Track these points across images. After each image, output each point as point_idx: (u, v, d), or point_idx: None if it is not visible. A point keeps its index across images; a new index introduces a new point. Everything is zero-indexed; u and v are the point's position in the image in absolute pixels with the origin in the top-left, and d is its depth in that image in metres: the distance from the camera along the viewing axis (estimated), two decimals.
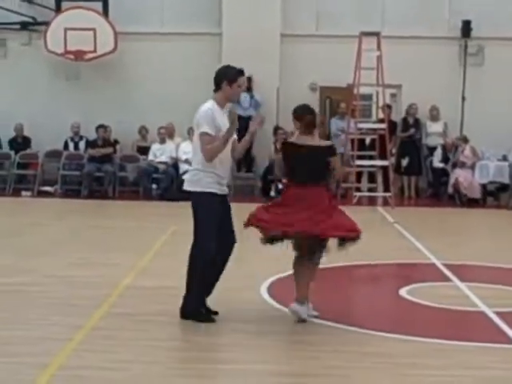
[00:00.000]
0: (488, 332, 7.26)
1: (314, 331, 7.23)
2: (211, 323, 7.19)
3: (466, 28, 17.97)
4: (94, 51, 17.91)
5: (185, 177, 7.64)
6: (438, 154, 17.53)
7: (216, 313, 7.37)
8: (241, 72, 7.31)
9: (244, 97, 17.43)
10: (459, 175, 16.87)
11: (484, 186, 17.18)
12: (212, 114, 7.14)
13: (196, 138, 7.26)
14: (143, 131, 18.22)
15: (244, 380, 5.87)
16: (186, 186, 7.31)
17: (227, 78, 7.20)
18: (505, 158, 17.17)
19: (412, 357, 6.46)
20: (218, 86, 7.26)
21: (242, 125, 18.71)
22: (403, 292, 8.62)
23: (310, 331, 7.21)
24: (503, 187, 17.25)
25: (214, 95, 7.31)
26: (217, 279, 7.41)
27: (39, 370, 5.82)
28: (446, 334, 7.14)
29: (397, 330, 7.32)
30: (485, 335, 7.15)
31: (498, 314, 7.71)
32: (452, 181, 16.97)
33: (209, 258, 7.18)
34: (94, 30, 17.78)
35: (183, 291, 8.06)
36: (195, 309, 7.27)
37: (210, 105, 7.21)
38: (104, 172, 17.55)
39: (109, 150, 17.73)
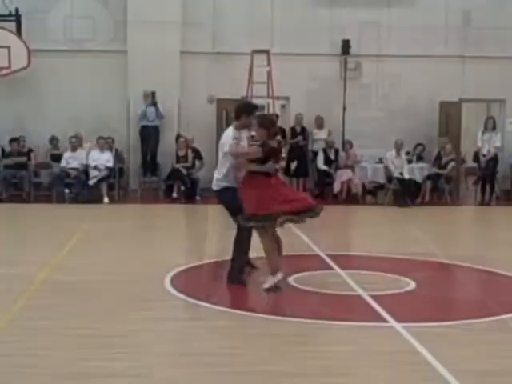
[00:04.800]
0: (364, 313, 7.51)
1: (216, 317, 7.38)
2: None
3: (346, 46, 18.36)
4: (9, 67, 17.66)
5: None
6: (321, 157, 17.87)
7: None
8: (256, 106, 9.03)
9: (150, 111, 17.54)
10: (349, 174, 17.17)
11: (363, 185, 17.61)
12: (231, 136, 8.51)
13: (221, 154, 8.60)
14: (54, 141, 18.00)
15: (147, 361, 5.97)
16: None
17: (246, 111, 8.57)
18: (380, 161, 17.63)
19: (298, 336, 6.69)
20: (238, 116, 8.58)
21: (151, 132, 18.62)
22: (291, 280, 8.82)
23: (212, 317, 7.35)
24: (380, 186, 17.71)
25: (234, 122, 8.64)
26: None
27: None
28: (328, 315, 7.35)
29: (286, 313, 7.55)
30: (361, 315, 7.39)
31: (373, 296, 8.00)
32: (344, 178, 17.17)
33: None
34: (8, 47, 17.53)
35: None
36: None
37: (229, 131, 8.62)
38: (19, 178, 17.33)
39: (21, 159, 17.47)
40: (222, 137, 8.73)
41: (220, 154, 8.68)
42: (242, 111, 8.60)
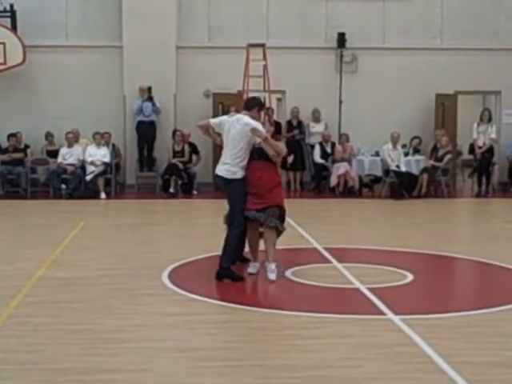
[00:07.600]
0: (361, 305, 7.52)
1: (209, 311, 7.41)
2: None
3: (341, 39, 18.35)
4: (4, 63, 17.63)
5: None
6: (317, 150, 17.86)
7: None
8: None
9: (146, 106, 17.50)
10: (346, 168, 17.18)
11: (360, 178, 17.61)
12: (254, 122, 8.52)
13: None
14: (49, 137, 17.97)
15: (146, 356, 5.97)
16: None
17: (260, 106, 8.73)
18: (377, 154, 17.60)
19: (296, 329, 6.70)
20: (250, 108, 8.63)
21: (147, 127, 18.62)
22: (288, 273, 8.82)
23: (205, 311, 7.38)
24: (376, 179, 17.71)
25: (245, 112, 8.68)
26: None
27: None
28: (325, 308, 7.39)
29: (283, 306, 7.56)
30: (359, 308, 7.42)
31: (370, 289, 8.01)
32: (340, 172, 17.17)
33: None
34: (3, 43, 17.50)
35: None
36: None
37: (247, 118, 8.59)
38: (16, 174, 17.31)
39: (19, 155, 17.45)
40: (235, 120, 8.58)
41: (235, 138, 8.50)
42: (256, 105, 8.71)
